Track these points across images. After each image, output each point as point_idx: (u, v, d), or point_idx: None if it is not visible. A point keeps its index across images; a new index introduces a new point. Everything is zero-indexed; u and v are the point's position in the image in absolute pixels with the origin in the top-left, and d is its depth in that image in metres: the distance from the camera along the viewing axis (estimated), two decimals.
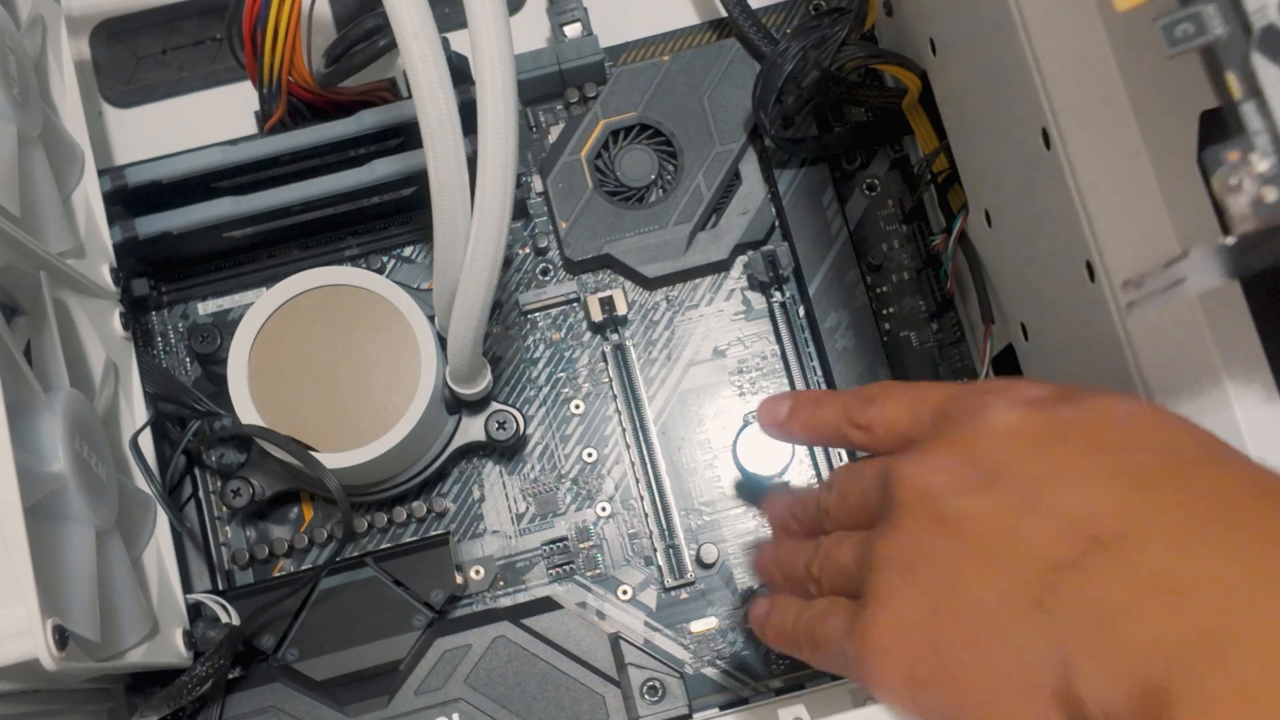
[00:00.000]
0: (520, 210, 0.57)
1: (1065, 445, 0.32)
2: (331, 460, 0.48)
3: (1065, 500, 0.30)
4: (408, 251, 0.57)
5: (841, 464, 0.54)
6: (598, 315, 0.55)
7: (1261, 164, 0.27)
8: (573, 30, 0.57)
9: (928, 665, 0.32)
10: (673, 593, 0.54)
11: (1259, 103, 0.27)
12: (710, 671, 0.53)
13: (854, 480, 0.37)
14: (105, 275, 0.50)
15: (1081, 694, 0.28)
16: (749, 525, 0.54)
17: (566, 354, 0.56)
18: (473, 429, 0.53)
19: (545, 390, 0.56)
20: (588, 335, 0.56)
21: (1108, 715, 0.27)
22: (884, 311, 0.56)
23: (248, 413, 0.49)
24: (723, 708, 0.52)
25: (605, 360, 0.56)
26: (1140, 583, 0.28)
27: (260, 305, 0.50)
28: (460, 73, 0.51)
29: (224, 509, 0.54)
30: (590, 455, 0.55)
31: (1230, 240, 0.27)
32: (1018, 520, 0.31)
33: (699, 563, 0.54)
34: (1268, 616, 0.26)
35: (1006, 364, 0.51)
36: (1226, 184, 0.27)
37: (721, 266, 0.56)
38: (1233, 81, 0.28)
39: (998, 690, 0.30)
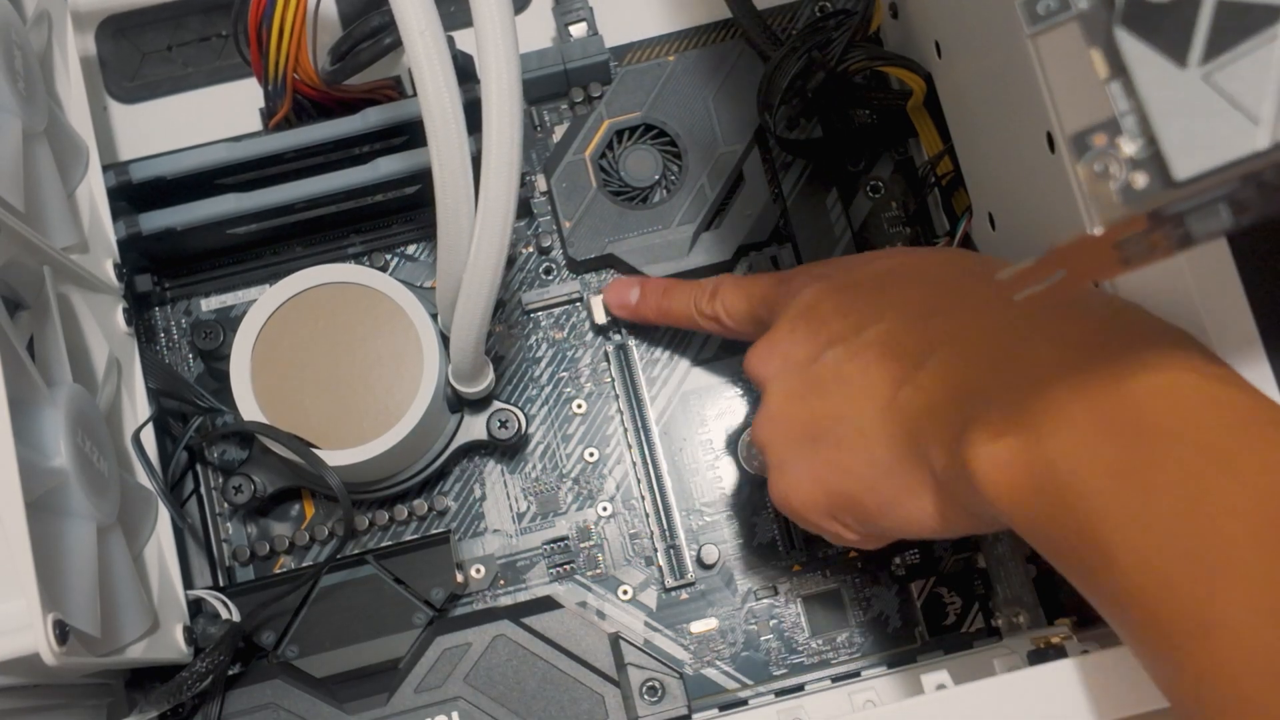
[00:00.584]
0: (524, 209, 0.57)
1: (857, 298, 0.43)
2: (333, 457, 0.48)
3: (874, 337, 0.41)
4: (411, 249, 0.57)
5: None
6: (601, 318, 0.55)
7: (1129, 147, 0.25)
8: (578, 30, 0.57)
9: (830, 498, 0.42)
10: (673, 593, 0.54)
11: (1125, 81, 0.25)
12: (710, 672, 0.53)
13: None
14: (109, 271, 0.50)
15: (934, 465, 0.37)
16: (751, 525, 0.54)
17: (569, 353, 0.56)
18: (474, 427, 0.53)
19: (547, 389, 0.56)
20: (590, 335, 0.56)
21: (946, 470, 0.37)
22: None
23: (250, 409, 0.49)
24: (722, 709, 0.52)
25: (608, 360, 0.56)
26: (942, 379, 0.38)
27: (263, 302, 0.50)
28: (465, 71, 0.51)
29: (225, 505, 0.54)
30: (592, 455, 0.55)
31: (1099, 231, 0.26)
32: (848, 367, 0.41)
33: (700, 563, 0.54)
34: (1017, 380, 0.35)
35: None
36: (1093, 170, 0.25)
37: (725, 267, 0.56)
38: (1097, 59, 0.26)
39: (888, 492, 0.40)
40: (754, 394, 0.56)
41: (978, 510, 0.37)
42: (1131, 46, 0.25)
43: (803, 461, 0.43)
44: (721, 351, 0.56)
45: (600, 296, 0.55)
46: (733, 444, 0.55)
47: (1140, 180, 0.25)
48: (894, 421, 0.39)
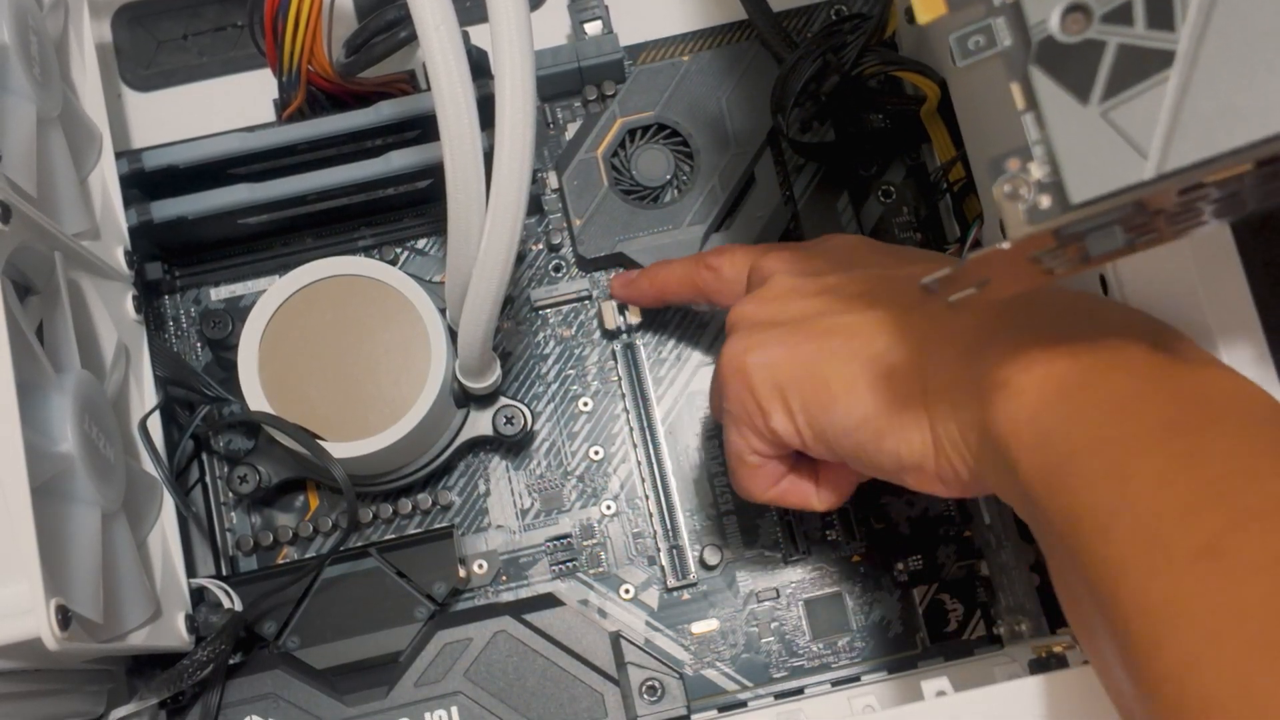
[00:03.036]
0: (535, 206, 0.57)
1: (898, 251, 0.43)
2: (339, 449, 0.48)
3: (901, 273, 0.40)
4: (421, 244, 0.57)
5: None
6: (611, 322, 0.55)
7: (1038, 172, 0.28)
8: (593, 28, 0.57)
9: (795, 373, 0.40)
10: (675, 593, 0.54)
11: (1037, 114, 0.28)
12: (710, 673, 0.53)
13: None
14: (119, 258, 0.50)
15: (933, 382, 0.36)
16: (754, 527, 0.54)
17: (577, 351, 0.56)
18: (480, 423, 0.53)
19: (554, 387, 0.56)
20: (598, 333, 0.56)
21: (950, 389, 0.36)
22: None
23: (257, 399, 0.49)
24: (721, 710, 0.52)
25: (615, 359, 0.56)
26: (971, 311, 0.36)
27: (273, 293, 0.50)
28: (480, 67, 0.51)
29: (230, 494, 0.54)
30: (597, 453, 0.55)
31: (1006, 245, 0.28)
32: (874, 284, 0.40)
33: (702, 564, 0.54)
34: (1062, 324, 0.35)
35: None
36: (1004, 191, 0.28)
37: None
38: (1016, 93, 0.28)
39: (863, 390, 0.38)
40: None
41: (951, 450, 0.36)
42: (1042, 83, 0.28)
43: (780, 331, 0.41)
44: None
45: (610, 302, 0.55)
46: None
47: (1045, 202, 0.28)
48: (906, 329, 0.38)
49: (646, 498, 0.55)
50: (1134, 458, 0.31)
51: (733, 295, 0.47)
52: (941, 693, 0.42)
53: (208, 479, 0.55)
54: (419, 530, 0.54)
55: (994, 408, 0.34)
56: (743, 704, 0.52)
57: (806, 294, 0.42)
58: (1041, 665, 0.46)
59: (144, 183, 0.52)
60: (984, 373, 0.34)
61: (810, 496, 0.45)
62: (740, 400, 0.41)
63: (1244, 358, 0.37)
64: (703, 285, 0.49)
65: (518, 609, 0.50)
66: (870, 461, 0.38)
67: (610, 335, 0.56)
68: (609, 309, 0.55)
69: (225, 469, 0.54)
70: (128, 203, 0.51)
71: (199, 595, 0.50)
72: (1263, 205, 0.31)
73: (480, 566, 0.54)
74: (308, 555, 0.54)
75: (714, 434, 0.55)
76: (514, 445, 0.55)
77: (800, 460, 0.44)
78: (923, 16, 0.29)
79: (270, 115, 0.57)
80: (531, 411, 0.54)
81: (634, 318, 0.55)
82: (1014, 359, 0.34)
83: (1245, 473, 0.29)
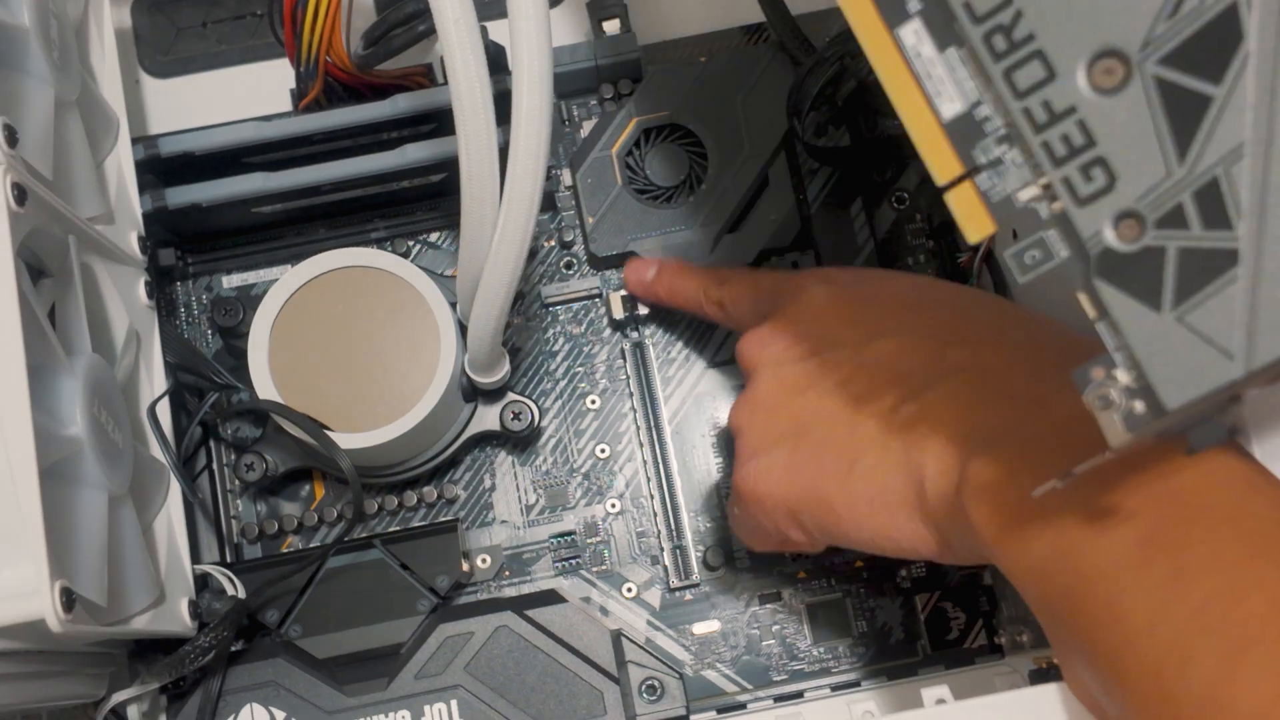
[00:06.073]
0: (548, 203, 0.57)
1: (870, 310, 0.42)
2: (346, 440, 0.48)
3: (884, 350, 0.40)
4: (434, 237, 0.57)
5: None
6: (619, 313, 0.55)
7: (1124, 378, 0.27)
8: (611, 26, 0.57)
9: (800, 494, 0.41)
10: (677, 593, 0.54)
11: (1109, 322, 0.27)
12: (710, 674, 0.53)
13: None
14: (133, 243, 0.50)
15: (924, 487, 0.37)
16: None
17: (586, 349, 0.56)
18: (488, 418, 0.53)
19: (562, 384, 0.56)
20: (607, 331, 0.56)
21: (938, 497, 0.36)
22: None
23: (266, 388, 0.49)
24: (720, 711, 0.52)
25: (624, 358, 0.56)
26: (952, 406, 0.37)
27: (284, 282, 0.50)
28: (497, 62, 0.52)
29: (236, 482, 0.54)
30: (603, 451, 0.55)
31: (1110, 455, 0.28)
32: (852, 372, 0.41)
33: (705, 565, 0.54)
34: (1039, 424, 0.35)
35: None
36: (1095, 401, 0.27)
37: None
38: (1085, 302, 0.28)
39: (862, 501, 0.39)
40: None
41: (957, 542, 0.37)
42: (1109, 294, 0.27)
43: (781, 452, 0.42)
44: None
45: (619, 293, 0.55)
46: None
47: (1139, 407, 0.27)
48: (890, 434, 0.39)
49: (651, 497, 0.55)
50: (1124, 595, 0.31)
51: (739, 327, 0.48)
52: (941, 700, 0.42)
53: (215, 466, 0.55)
54: (424, 523, 0.54)
55: (979, 516, 0.35)
56: (742, 706, 0.52)
57: (795, 391, 0.42)
58: (1042, 676, 0.46)
59: (159, 169, 0.52)
60: (972, 475, 0.35)
61: (806, 547, 0.45)
62: (758, 520, 0.44)
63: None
64: (711, 315, 0.51)
65: (520, 604, 0.50)
66: (883, 554, 0.40)
67: (618, 326, 0.56)
68: (616, 300, 0.55)
69: (232, 456, 0.55)
70: (143, 188, 0.51)
71: (203, 581, 0.50)
72: None
73: (484, 561, 0.54)
74: (312, 545, 0.54)
75: (720, 435, 0.55)
76: (521, 441, 0.55)
77: None
78: (973, 236, 0.29)
79: (287, 105, 0.57)
80: (539, 408, 0.54)
81: (643, 308, 0.55)
82: (1003, 466, 0.34)
83: (1229, 593, 0.30)
